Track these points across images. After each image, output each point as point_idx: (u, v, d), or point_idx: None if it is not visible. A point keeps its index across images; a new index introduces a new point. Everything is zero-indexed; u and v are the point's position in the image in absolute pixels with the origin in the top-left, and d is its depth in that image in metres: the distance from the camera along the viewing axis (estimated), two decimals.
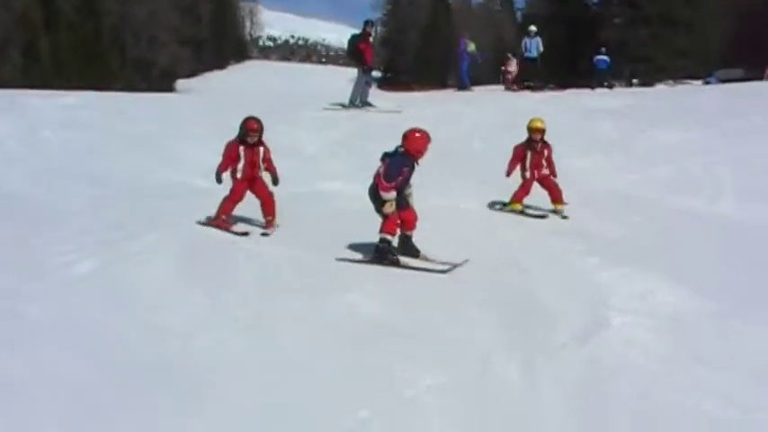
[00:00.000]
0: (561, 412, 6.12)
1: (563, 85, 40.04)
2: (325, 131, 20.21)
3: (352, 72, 27.05)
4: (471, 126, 21.01)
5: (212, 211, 11.43)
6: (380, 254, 9.77)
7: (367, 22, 24.38)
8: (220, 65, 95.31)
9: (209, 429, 5.57)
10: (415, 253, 10.10)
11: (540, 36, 33.11)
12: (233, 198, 11.35)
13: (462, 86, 32.96)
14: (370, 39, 24.38)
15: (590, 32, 54.55)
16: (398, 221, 9.90)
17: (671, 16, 56.84)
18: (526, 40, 33.07)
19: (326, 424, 5.73)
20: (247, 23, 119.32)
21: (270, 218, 11.50)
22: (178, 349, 6.95)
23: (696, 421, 6.04)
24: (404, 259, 9.86)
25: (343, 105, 24.06)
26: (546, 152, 13.35)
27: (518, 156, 13.33)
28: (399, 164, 9.70)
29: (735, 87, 28.76)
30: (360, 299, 8.51)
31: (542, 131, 13.23)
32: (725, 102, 23.98)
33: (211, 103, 25.61)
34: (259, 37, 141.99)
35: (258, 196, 11.54)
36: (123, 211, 12.23)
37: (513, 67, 35.56)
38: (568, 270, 9.88)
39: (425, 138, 9.82)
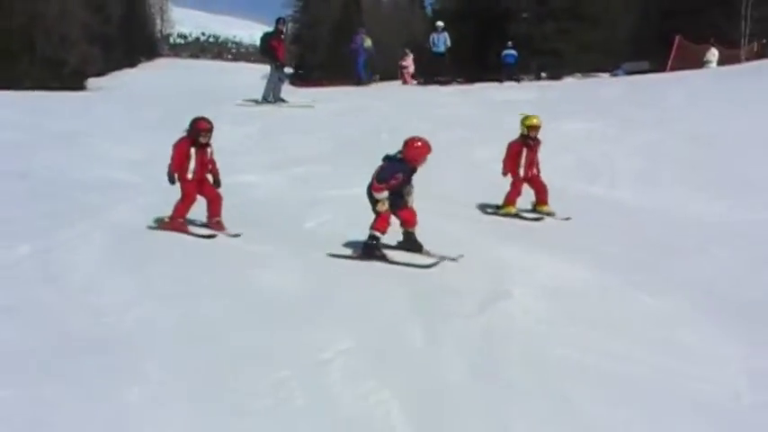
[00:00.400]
0: (460, 367, 6.92)
1: (472, 78, 41.09)
2: (240, 127, 20.84)
3: (265, 69, 27.70)
4: (380, 119, 21.77)
5: (138, 203, 12.05)
6: (368, 249, 10.16)
7: (279, 20, 25.12)
8: (131, 63, 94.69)
9: (143, 394, 6.23)
10: (417, 248, 10.47)
11: (448, 31, 34.04)
12: (187, 200, 11.25)
13: (359, 81, 33.72)
14: (283, 36, 25.09)
15: (499, 27, 55.69)
16: (390, 220, 10.19)
17: (578, 11, 58.29)
18: (434, 36, 34.16)
19: (252, 382, 6.44)
20: (158, 21, 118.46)
21: (217, 218, 11.46)
22: (113, 324, 7.61)
23: (579, 371, 6.89)
24: (391, 254, 10.33)
25: (256, 101, 24.73)
26: (539, 148, 13.19)
27: (514, 153, 13.10)
28: (394, 168, 10.03)
29: (635, 79, 30.03)
30: (278, 276, 9.26)
31: (538, 129, 13.01)
32: (625, 93, 25.17)
33: (126, 100, 26.12)
34: (169, 34, 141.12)
35: (206, 196, 11.51)
36: (53, 203, 12.71)
37: (409, 62, 36.47)
38: (476, 252, 10.69)
39: (425, 147, 10.07)
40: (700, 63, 36.06)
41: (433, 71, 34.37)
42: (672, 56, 39.73)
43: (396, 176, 10.05)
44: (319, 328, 7.61)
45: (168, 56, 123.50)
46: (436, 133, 18.18)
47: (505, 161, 13.13)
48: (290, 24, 79.78)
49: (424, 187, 11.38)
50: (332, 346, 7.20)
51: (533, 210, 13.17)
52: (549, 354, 7.30)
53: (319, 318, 7.92)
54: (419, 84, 33.21)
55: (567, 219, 12.89)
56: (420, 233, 10.86)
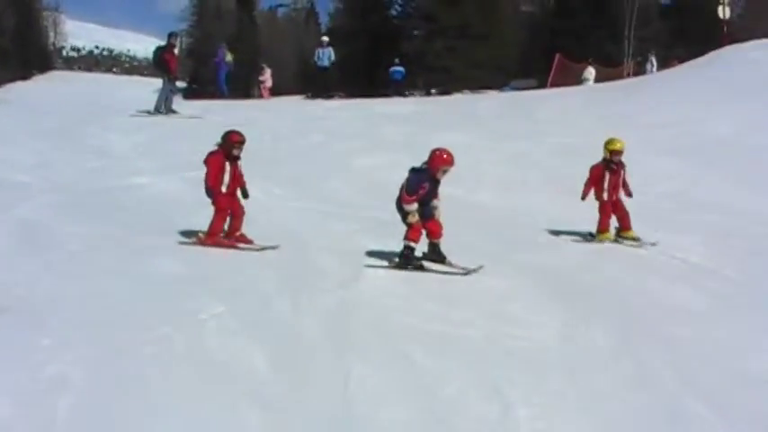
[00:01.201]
0: (316, 329, 8.35)
1: (365, 94, 42.60)
2: (133, 135, 22.05)
3: (157, 82, 28.83)
4: (266, 130, 23.12)
5: (39, 201, 13.28)
6: (405, 259, 10.68)
7: (171, 34, 26.33)
8: (24, 75, 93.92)
9: (52, 342, 7.54)
10: (441, 259, 10.91)
11: (337, 47, 35.56)
12: (222, 214, 11.43)
13: (220, 94, 34.96)
14: (175, 50, 26.28)
15: (391, 44, 57.21)
16: (422, 230, 10.69)
17: (468, 30, 60.15)
18: (319, 50, 35.69)
19: (140, 335, 7.79)
20: (51, 34, 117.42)
21: (240, 232, 11.64)
22: (23, 295, 8.89)
23: (420, 334, 8.36)
24: (426, 264, 10.93)
25: (148, 112, 25.88)
26: (622, 173, 13.00)
27: (595, 177, 12.95)
28: (419, 179, 10.52)
29: (514, 95, 31.89)
30: (165, 261, 10.63)
31: (622, 153, 12.85)
32: (502, 108, 27.07)
33: (23, 111, 27.01)
34: (62, 47, 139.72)
35: (233, 211, 11.63)
36: None
37: (267, 76, 37.96)
38: (341, 242, 12.17)
39: (449, 158, 10.61)
40: (578, 80, 38.33)
41: (318, 85, 35.71)
42: (552, 73, 41.90)
43: (423, 186, 10.53)
44: (199, 299, 8.97)
45: (62, 68, 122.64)
46: (327, 144, 19.94)
47: (586, 185, 13.04)
48: (183, 39, 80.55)
49: (311, 190, 12.89)
50: (208, 310, 8.59)
51: (618, 236, 13.02)
52: (396, 321, 8.75)
53: (200, 292, 9.27)
54: (306, 98, 34.59)
55: (637, 239, 12.91)
56: (305, 227, 12.34)
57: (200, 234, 11.52)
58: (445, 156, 10.64)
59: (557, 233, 13.66)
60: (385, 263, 10.99)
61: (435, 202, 10.82)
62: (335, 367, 7.39)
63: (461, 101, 32.80)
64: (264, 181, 16.40)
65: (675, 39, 56.05)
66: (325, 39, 36.27)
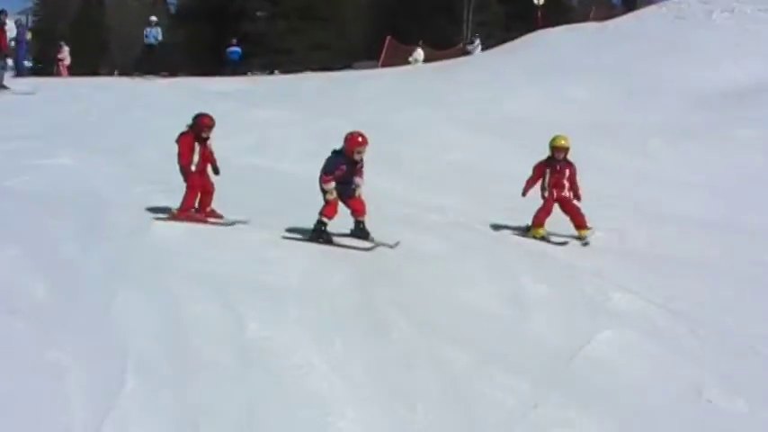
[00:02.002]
0: (99, 266, 9.94)
1: (204, 73, 43.64)
2: None
3: None
4: (93, 105, 24.37)
5: None
6: (316, 233, 11.44)
7: (0, 12, 27.17)
8: None
9: None
10: (365, 236, 11.65)
11: (186, 27, 36.77)
12: (193, 191, 12.22)
13: (19, 73, 35.77)
14: (6, 27, 27.14)
15: (234, 25, 58.31)
16: (337, 208, 11.50)
17: (310, 12, 61.68)
18: (147, 29, 36.59)
19: None
20: None
21: (210, 208, 12.54)
22: None
23: (188, 272, 9.93)
24: (336, 239, 11.71)
25: None
26: (567, 172, 12.64)
27: (536, 174, 12.74)
28: (336, 161, 11.38)
29: (336, 75, 33.55)
30: None
31: (566, 150, 12.59)
32: (323, 87, 28.81)
33: None
34: None
35: (203, 188, 12.48)
36: None
37: (65, 54, 38.92)
38: (139, 201, 13.62)
39: (357, 138, 11.41)
40: (406, 61, 40.45)
41: (146, 63, 36.62)
42: (383, 55, 43.88)
43: (339, 168, 11.34)
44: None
45: None
46: (147, 119, 21.34)
47: (527, 181, 12.80)
48: (30, 17, 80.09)
49: (123, 159, 14.42)
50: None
51: (577, 237, 12.66)
52: (170, 262, 10.32)
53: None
54: (137, 75, 35.47)
55: (586, 244, 12.58)
56: (110, 189, 13.81)
57: (173, 210, 12.30)
58: (360, 138, 11.39)
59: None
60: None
61: (357, 180, 11.48)
62: (105, 292, 8.97)
63: (290, 80, 34.30)
64: (80, 151, 17.79)
65: (512, 22, 58.68)
66: (153, 18, 37.32)
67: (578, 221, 12.62)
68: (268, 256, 10.99)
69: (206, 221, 12.28)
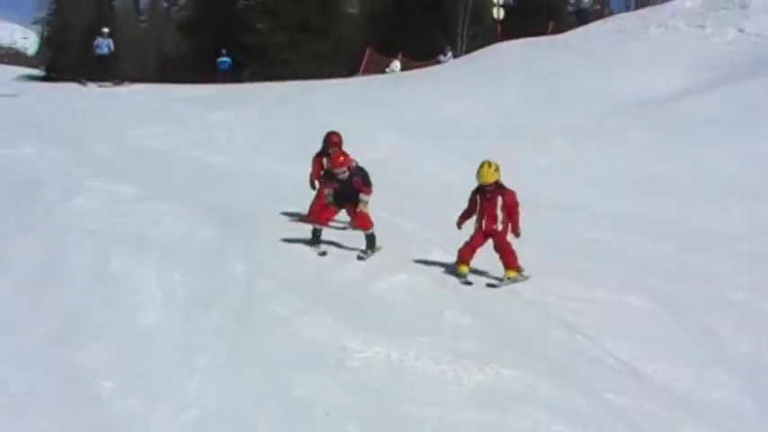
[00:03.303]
0: (24, 226, 12.63)
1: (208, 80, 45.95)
2: None
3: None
4: (66, 107, 27.22)
5: None
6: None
7: None
8: None
9: None
10: (370, 247, 12.62)
11: (189, 39, 39.19)
12: (319, 199, 13.34)
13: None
14: None
15: (235, 37, 60.80)
16: (321, 215, 12.76)
17: (307, 24, 64.14)
18: (98, 39, 37.76)
19: None
20: None
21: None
22: None
23: (87, 229, 12.60)
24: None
25: None
26: (500, 201, 11.34)
27: (470, 206, 11.64)
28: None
29: (306, 84, 35.89)
30: None
31: (487, 183, 11.34)
32: (288, 93, 31.60)
33: None
34: None
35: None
36: None
37: None
38: (75, 182, 16.25)
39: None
40: (383, 71, 43.08)
41: (96, 71, 37.18)
42: (363, 64, 46.49)
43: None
44: None
45: None
46: (112, 118, 24.14)
47: (460, 215, 11.81)
48: (44, 27, 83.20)
49: (78, 151, 17.28)
50: None
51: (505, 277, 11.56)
52: (76, 223, 12.83)
53: None
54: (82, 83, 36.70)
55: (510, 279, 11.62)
56: (55, 174, 16.54)
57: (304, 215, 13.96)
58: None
59: (263, 186, 17.95)
60: (96, 190, 15.18)
61: (363, 197, 12.30)
62: (7, 239, 11.65)
63: (257, 87, 36.40)
64: (42, 143, 20.42)
65: (507, 37, 60.95)
66: (106, 30, 38.55)
67: (506, 260, 11.43)
68: (163, 221, 13.56)
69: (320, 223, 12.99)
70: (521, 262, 11.65)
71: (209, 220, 13.81)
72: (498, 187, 11.36)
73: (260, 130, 24.32)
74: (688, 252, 14.01)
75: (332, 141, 14.01)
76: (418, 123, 25.64)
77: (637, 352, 9.20)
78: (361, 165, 12.42)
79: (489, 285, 11.41)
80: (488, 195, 11.35)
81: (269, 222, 13.82)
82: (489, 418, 7.32)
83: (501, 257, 11.48)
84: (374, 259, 12.28)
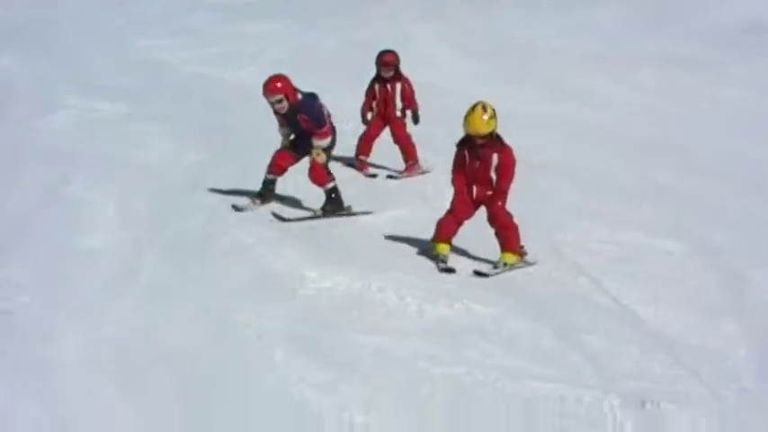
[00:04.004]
0: None
1: None
2: None
3: None
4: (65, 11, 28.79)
5: None
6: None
7: None
8: None
9: None
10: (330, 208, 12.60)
11: None
12: (367, 137, 14.41)
13: None
14: None
15: None
16: (278, 162, 12.73)
17: None
18: None
19: None
20: None
21: (410, 161, 14.54)
22: None
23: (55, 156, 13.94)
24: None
25: None
26: (495, 159, 10.31)
27: (456, 164, 10.58)
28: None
29: None
30: None
31: (479, 136, 10.17)
32: (333, 5, 32.76)
33: None
34: None
35: (393, 136, 14.58)
36: None
37: None
38: (55, 97, 17.65)
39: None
40: None
41: None
42: None
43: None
44: None
45: None
46: (122, 28, 25.87)
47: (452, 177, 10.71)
48: None
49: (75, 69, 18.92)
50: None
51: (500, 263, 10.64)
52: (45, 144, 14.31)
53: None
54: None
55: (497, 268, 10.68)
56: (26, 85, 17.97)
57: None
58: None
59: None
60: (75, 108, 16.56)
61: (315, 141, 12.18)
62: None
63: None
64: (23, 54, 21.74)
65: None
66: None
67: (504, 238, 10.58)
68: (145, 143, 14.98)
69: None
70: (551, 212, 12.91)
71: (198, 143, 15.18)
72: (494, 142, 10.22)
73: (295, 44, 25.43)
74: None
75: (384, 62, 14.34)
76: (487, 45, 26.85)
77: (643, 296, 10.18)
78: (313, 94, 12.21)
79: (477, 274, 10.47)
80: (481, 152, 10.23)
81: (264, 150, 13.40)
82: (435, 349, 8.18)
83: (497, 234, 10.57)
84: (378, 190, 13.47)
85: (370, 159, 15.06)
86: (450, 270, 10.45)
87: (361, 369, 7.66)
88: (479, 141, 10.21)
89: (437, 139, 15.22)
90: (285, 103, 11.90)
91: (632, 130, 18.82)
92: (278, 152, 12.46)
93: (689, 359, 8.65)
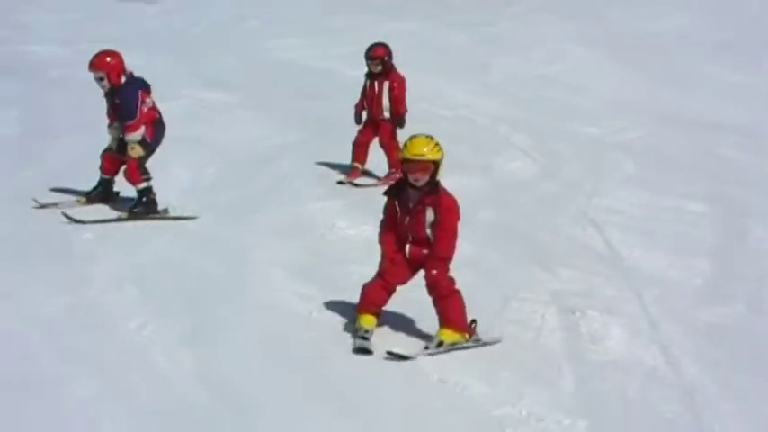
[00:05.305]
0: None
1: None
2: None
3: None
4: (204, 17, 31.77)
5: None
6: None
7: None
8: None
9: None
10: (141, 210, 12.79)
11: None
12: (357, 142, 14.50)
13: None
14: None
15: None
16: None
17: None
18: None
19: None
20: None
21: (393, 169, 13.83)
22: None
23: None
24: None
25: None
26: (429, 212, 8.55)
27: (387, 215, 8.89)
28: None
29: None
30: None
31: (420, 163, 8.42)
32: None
33: None
34: None
35: (378, 140, 14.39)
36: None
37: None
38: None
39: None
40: None
41: None
42: None
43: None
44: None
45: None
46: (261, 35, 28.50)
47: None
48: None
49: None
50: None
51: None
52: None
53: None
54: None
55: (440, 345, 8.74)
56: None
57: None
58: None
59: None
60: (187, 98, 19.01)
61: (127, 135, 12.42)
62: None
63: None
64: (153, 54, 23.77)
65: None
66: None
67: (443, 312, 8.71)
68: (237, 127, 17.37)
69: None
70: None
71: (289, 129, 17.30)
72: (432, 189, 8.51)
73: (424, 41, 27.53)
74: None
75: (372, 56, 14.04)
76: (608, 34, 28.76)
77: (638, 243, 11.93)
78: (141, 82, 12.38)
79: (393, 355, 8.44)
80: (419, 198, 8.50)
81: (350, 137, 14.85)
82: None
83: (436, 306, 8.70)
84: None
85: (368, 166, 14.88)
86: (367, 351, 8.49)
87: (346, 289, 9.62)
88: (416, 180, 8.40)
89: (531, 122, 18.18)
90: (106, 83, 11.77)
91: (733, 117, 19.90)
92: (103, 153, 12.53)
93: (642, 286, 10.49)
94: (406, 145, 8.46)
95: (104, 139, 12.84)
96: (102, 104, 12.52)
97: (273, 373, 7.93)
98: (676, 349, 8.84)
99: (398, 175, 9.64)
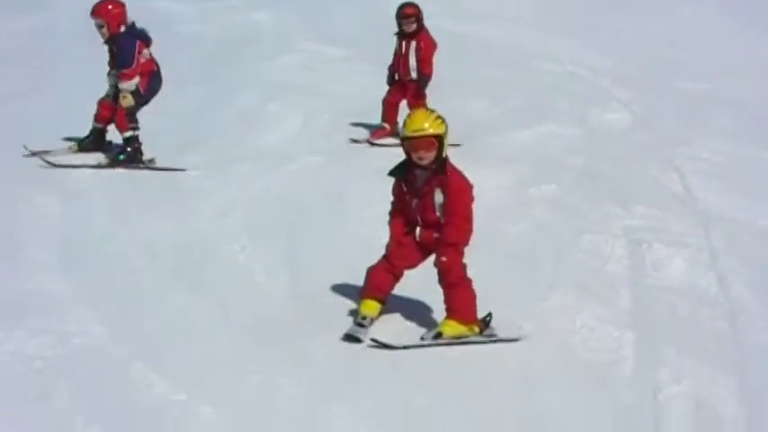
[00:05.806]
0: None
1: None
2: None
3: None
4: None
5: None
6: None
7: None
8: None
9: None
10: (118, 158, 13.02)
11: None
12: (386, 102, 14.89)
13: None
14: None
15: None
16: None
17: None
18: None
19: None
20: None
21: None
22: None
23: None
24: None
25: None
26: (438, 195, 7.99)
27: (395, 203, 8.35)
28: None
29: None
30: None
31: (416, 147, 7.86)
32: None
33: None
34: None
35: (408, 104, 14.41)
36: None
37: None
38: None
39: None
40: None
41: None
42: None
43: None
44: None
45: None
46: None
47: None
48: None
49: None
50: None
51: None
52: (270, 75, 17.96)
53: None
54: None
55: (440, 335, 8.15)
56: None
57: None
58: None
59: (505, 58, 21.85)
60: (305, 51, 20.20)
61: (120, 83, 12.70)
62: None
63: None
64: (280, 10, 25.05)
65: None
66: None
67: (450, 302, 8.14)
68: (349, 78, 18.54)
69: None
70: None
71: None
72: (439, 169, 7.96)
73: (536, 2, 28.32)
74: None
75: (404, 14, 14.42)
76: None
77: (714, 187, 12.81)
78: (142, 33, 12.68)
79: (376, 343, 7.93)
80: (420, 187, 8.03)
81: (451, 92, 15.78)
82: None
83: (445, 294, 8.15)
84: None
85: None
86: (356, 340, 7.97)
87: None
88: (421, 163, 7.89)
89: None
90: (105, 31, 12.07)
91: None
92: (100, 101, 12.73)
93: (711, 223, 11.38)
94: (405, 123, 7.97)
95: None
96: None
97: (355, 293, 8.68)
98: (732, 277, 9.65)
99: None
